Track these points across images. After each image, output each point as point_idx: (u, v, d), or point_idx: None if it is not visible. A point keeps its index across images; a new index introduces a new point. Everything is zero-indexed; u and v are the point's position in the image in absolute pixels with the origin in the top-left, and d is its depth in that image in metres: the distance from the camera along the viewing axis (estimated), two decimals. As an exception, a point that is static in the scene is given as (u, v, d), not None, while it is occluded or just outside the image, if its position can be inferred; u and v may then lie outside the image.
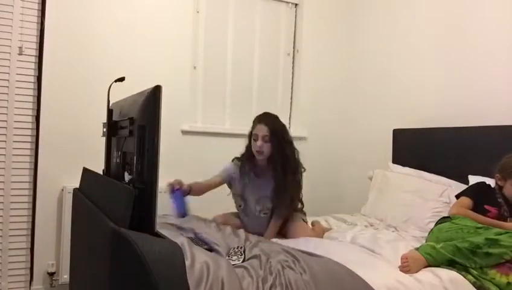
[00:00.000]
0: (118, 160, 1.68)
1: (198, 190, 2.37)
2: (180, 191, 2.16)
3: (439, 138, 2.88)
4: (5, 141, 2.72)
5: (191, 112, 3.30)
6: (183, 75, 3.21)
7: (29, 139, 2.80)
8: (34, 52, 2.79)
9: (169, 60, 3.13)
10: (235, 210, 2.65)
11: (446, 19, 3.00)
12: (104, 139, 1.86)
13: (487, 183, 2.27)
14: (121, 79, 1.77)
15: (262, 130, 2.37)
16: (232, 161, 2.57)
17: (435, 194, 2.61)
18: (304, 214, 2.65)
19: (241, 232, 2.22)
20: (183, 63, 3.21)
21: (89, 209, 1.71)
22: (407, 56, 3.29)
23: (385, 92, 3.46)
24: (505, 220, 2.08)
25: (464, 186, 2.41)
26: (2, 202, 2.72)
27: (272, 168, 2.43)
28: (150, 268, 1.11)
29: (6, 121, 2.72)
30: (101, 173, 1.92)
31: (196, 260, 1.50)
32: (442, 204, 2.53)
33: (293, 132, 2.91)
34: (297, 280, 1.52)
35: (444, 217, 2.19)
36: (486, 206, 2.13)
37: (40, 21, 2.78)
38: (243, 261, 1.68)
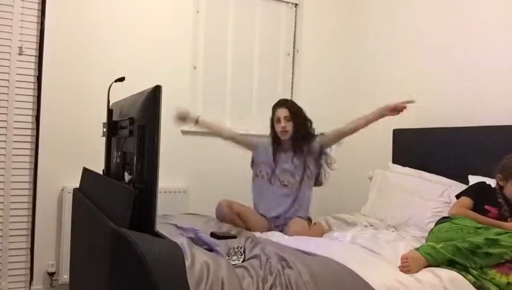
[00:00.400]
0: (118, 160, 1.68)
1: (206, 125, 2.71)
2: None
3: (439, 138, 2.88)
4: (5, 141, 2.72)
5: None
6: (183, 75, 3.21)
7: (29, 139, 2.80)
8: (34, 52, 2.79)
9: (169, 60, 3.13)
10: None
11: (446, 19, 3.00)
12: (104, 139, 1.86)
13: (487, 183, 2.27)
14: (121, 79, 1.77)
15: (283, 111, 2.64)
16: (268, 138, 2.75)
17: (435, 194, 2.61)
18: (309, 218, 2.67)
19: (242, 230, 2.23)
20: (183, 63, 3.21)
21: (89, 209, 1.71)
22: (407, 56, 3.29)
23: (385, 92, 3.46)
24: (505, 220, 2.08)
25: (464, 186, 2.41)
26: (2, 202, 2.72)
27: (295, 144, 2.63)
28: (150, 268, 1.11)
29: (6, 121, 2.72)
30: (101, 173, 1.92)
31: (196, 260, 1.50)
32: (442, 204, 2.53)
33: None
34: (297, 280, 1.52)
35: (444, 217, 2.19)
36: (486, 207, 2.12)
37: (40, 21, 2.79)
38: (243, 261, 1.68)
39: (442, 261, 1.83)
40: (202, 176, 3.23)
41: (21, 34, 2.74)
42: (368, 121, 2.58)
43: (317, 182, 2.73)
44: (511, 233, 1.84)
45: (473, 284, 1.75)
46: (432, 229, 2.16)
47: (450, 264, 1.83)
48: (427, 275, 1.75)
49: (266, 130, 2.78)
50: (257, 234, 2.30)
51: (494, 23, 2.69)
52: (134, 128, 1.43)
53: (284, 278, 1.52)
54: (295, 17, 3.73)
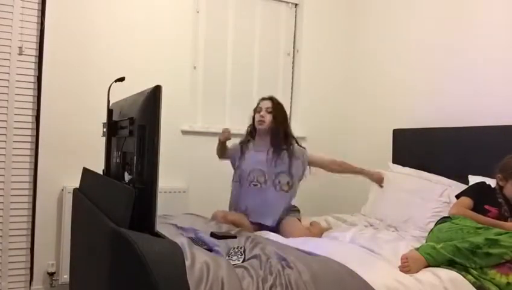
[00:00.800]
0: (118, 160, 1.68)
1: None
2: None
3: (439, 138, 2.88)
4: (5, 141, 2.72)
5: (191, 112, 3.30)
6: (183, 75, 3.21)
7: (29, 139, 2.80)
8: (34, 52, 2.79)
9: (169, 60, 3.13)
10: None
11: (446, 19, 3.00)
12: (104, 139, 1.86)
13: (487, 183, 2.27)
14: (121, 79, 1.77)
15: (266, 103, 2.66)
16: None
17: (435, 194, 2.61)
18: (298, 212, 2.67)
19: (242, 230, 2.23)
20: (183, 63, 3.21)
21: (89, 209, 1.71)
22: (407, 56, 3.29)
23: (385, 92, 3.46)
24: (505, 220, 2.08)
25: (464, 186, 2.41)
26: (2, 202, 2.72)
27: (274, 139, 2.61)
28: (150, 268, 1.11)
29: (6, 121, 2.72)
30: (101, 173, 1.92)
31: (196, 260, 1.50)
32: (442, 204, 2.53)
33: (293, 132, 2.90)
34: (297, 280, 1.52)
35: (444, 217, 2.19)
36: (486, 206, 2.12)
37: (40, 21, 2.78)
38: (242, 261, 1.68)
39: (442, 261, 1.83)
40: (202, 176, 3.23)
41: (21, 34, 2.74)
42: (353, 173, 2.73)
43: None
44: (511, 233, 1.84)
45: (473, 284, 1.75)
46: (431, 229, 2.16)
47: (450, 264, 1.83)
48: (427, 275, 1.75)
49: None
50: (257, 234, 2.30)
51: (495, 23, 2.69)
52: (134, 128, 1.43)
53: (284, 278, 1.52)
54: (295, 17, 3.73)
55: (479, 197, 2.16)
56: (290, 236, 2.34)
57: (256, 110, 2.69)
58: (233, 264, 1.61)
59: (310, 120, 3.68)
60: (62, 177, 2.82)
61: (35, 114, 2.80)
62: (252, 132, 2.73)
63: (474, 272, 1.80)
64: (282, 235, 2.37)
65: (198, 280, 1.39)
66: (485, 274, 1.79)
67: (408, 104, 3.24)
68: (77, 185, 2.25)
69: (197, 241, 1.91)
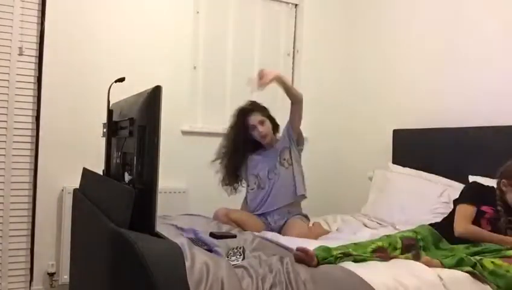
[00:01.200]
0: (118, 160, 1.68)
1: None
2: None
3: (439, 138, 2.88)
4: (5, 141, 2.72)
5: (191, 112, 3.30)
6: (183, 75, 3.21)
7: (29, 139, 2.80)
8: (34, 53, 2.79)
9: (169, 60, 3.13)
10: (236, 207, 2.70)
11: (446, 20, 3.00)
12: (104, 139, 1.86)
13: (480, 183, 2.26)
14: (121, 79, 1.77)
15: (256, 117, 2.61)
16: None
17: (434, 194, 2.61)
18: (306, 218, 2.68)
19: (241, 230, 2.23)
20: (183, 63, 3.21)
21: (89, 209, 1.71)
22: (407, 56, 3.29)
23: (385, 92, 3.46)
24: (499, 220, 2.07)
25: (463, 187, 2.40)
26: (2, 202, 2.72)
27: (271, 142, 2.65)
28: (149, 269, 1.11)
29: (6, 121, 2.72)
30: (101, 173, 1.92)
31: (196, 260, 1.50)
32: (442, 204, 2.53)
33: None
34: (296, 279, 1.52)
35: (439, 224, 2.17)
36: (482, 208, 2.11)
37: (40, 21, 2.79)
38: (242, 261, 1.68)
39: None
40: (202, 176, 3.22)
41: (21, 34, 2.74)
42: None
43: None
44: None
45: (470, 273, 1.75)
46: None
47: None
48: (427, 273, 1.74)
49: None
50: (256, 234, 2.30)
51: (495, 24, 2.69)
52: (135, 129, 1.43)
53: (283, 277, 1.52)
54: (295, 17, 3.73)
55: (478, 200, 2.14)
56: (289, 234, 2.36)
57: (249, 128, 2.62)
58: (233, 265, 1.61)
59: (310, 120, 3.67)
60: (62, 177, 2.82)
61: (35, 114, 2.80)
62: (249, 144, 2.70)
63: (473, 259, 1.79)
64: (283, 234, 2.38)
65: (198, 280, 1.39)
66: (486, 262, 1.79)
67: (408, 104, 3.24)
68: (77, 185, 2.25)
69: (196, 241, 1.91)
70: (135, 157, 1.39)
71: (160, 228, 1.53)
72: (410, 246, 1.95)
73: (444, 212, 2.38)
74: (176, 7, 3.16)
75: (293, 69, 3.73)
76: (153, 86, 1.36)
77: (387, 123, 3.32)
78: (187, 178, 3.19)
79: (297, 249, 1.73)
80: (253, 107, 2.65)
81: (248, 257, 1.75)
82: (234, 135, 2.66)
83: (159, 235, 1.34)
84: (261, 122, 2.60)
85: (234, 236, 2.10)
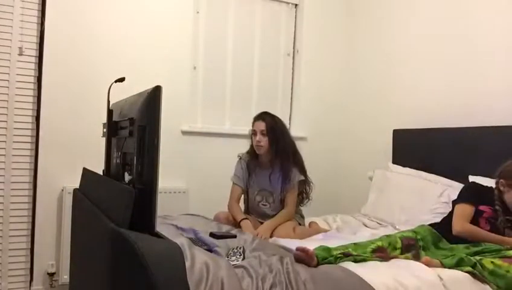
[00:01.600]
0: (118, 160, 1.68)
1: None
2: None
3: (439, 138, 2.88)
4: (5, 141, 2.72)
5: (191, 112, 3.30)
6: (183, 75, 3.21)
7: (29, 139, 2.80)
8: (34, 53, 2.79)
9: (169, 60, 3.13)
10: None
11: (446, 20, 3.00)
12: (104, 139, 1.86)
13: (478, 183, 2.26)
14: (121, 79, 1.77)
15: (260, 125, 2.59)
16: (239, 157, 2.72)
17: (434, 194, 2.61)
18: (301, 216, 2.68)
19: (241, 230, 2.24)
20: (183, 63, 3.21)
21: (89, 209, 1.71)
22: (407, 56, 3.29)
23: (385, 92, 3.46)
24: (497, 219, 2.07)
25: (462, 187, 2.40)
26: (2, 202, 2.72)
27: (272, 162, 2.61)
28: (150, 269, 1.11)
29: (6, 121, 2.72)
30: (101, 173, 1.92)
31: (196, 260, 1.50)
32: (442, 204, 2.53)
33: (293, 132, 2.93)
34: (296, 279, 1.52)
35: (438, 225, 2.17)
36: (481, 207, 2.11)
37: (40, 21, 2.79)
38: (242, 261, 1.68)
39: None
40: (202, 176, 3.23)
41: (21, 34, 2.74)
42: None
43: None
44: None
45: (470, 274, 1.75)
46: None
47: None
48: (427, 273, 1.74)
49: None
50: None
51: (495, 24, 2.69)
52: (135, 129, 1.43)
53: (283, 277, 1.52)
54: (295, 18, 3.73)
55: (476, 199, 2.15)
56: (275, 235, 2.38)
57: (252, 133, 2.64)
58: (233, 265, 1.61)
59: (310, 120, 3.68)
60: (62, 177, 2.82)
61: (35, 114, 2.80)
62: (253, 153, 2.69)
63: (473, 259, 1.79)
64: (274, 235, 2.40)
65: (198, 280, 1.39)
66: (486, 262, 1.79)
67: (408, 104, 3.24)
68: (77, 185, 2.25)
69: (196, 241, 1.91)
70: (135, 157, 1.39)
71: (160, 228, 1.53)
72: (410, 246, 1.96)
73: (443, 212, 2.38)
74: (176, 7, 3.16)
75: (293, 69, 3.73)
76: (153, 86, 1.36)
77: (387, 123, 3.32)
78: (187, 178, 3.19)
79: (297, 249, 1.73)
80: (264, 117, 2.63)
81: (248, 257, 1.75)
82: (251, 137, 2.68)
83: (159, 235, 1.34)
84: (262, 133, 2.57)
85: (234, 236, 2.10)
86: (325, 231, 2.56)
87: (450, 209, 2.22)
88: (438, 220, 2.30)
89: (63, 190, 2.82)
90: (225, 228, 2.31)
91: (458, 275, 1.76)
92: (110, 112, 1.81)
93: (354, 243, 1.90)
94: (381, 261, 1.83)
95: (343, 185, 3.71)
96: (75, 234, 2.14)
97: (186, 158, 3.19)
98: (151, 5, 3.07)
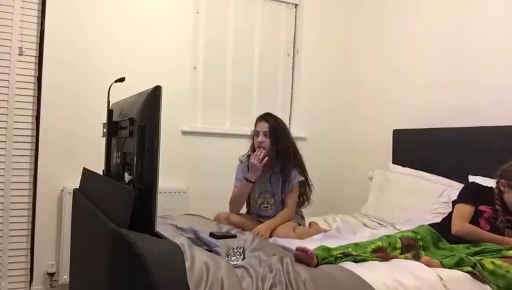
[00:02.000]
0: (118, 160, 1.68)
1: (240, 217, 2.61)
2: None
3: (439, 138, 2.88)
4: (5, 141, 2.72)
5: (191, 112, 3.30)
6: (183, 75, 3.21)
7: (29, 139, 2.80)
8: (34, 53, 2.79)
9: (169, 60, 3.13)
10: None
11: (446, 20, 3.00)
12: (104, 139, 1.86)
13: (479, 183, 2.26)
14: (121, 79, 1.77)
15: (263, 126, 2.59)
16: (240, 160, 2.71)
17: (434, 194, 2.61)
18: (301, 217, 2.68)
19: (241, 230, 2.24)
20: (183, 63, 3.21)
21: (89, 209, 1.71)
22: (407, 56, 3.29)
23: (385, 92, 3.46)
24: (497, 219, 2.07)
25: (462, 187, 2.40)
26: (2, 202, 2.72)
27: (272, 163, 2.59)
28: (150, 269, 1.11)
29: (6, 121, 2.72)
30: (101, 173, 1.92)
31: (196, 260, 1.50)
32: (442, 204, 2.53)
33: (293, 132, 2.92)
34: (296, 279, 1.52)
35: (438, 225, 2.17)
36: (480, 207, 2.11)
37: (40, 21, 2.79)
38: (242, 261, 1.68)
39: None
40: (202, 176, 3.24)
41: (21, 34, 2.74)
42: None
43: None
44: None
45: (470, 274, 1.74)
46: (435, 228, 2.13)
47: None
48: (427, 273, 1.74)
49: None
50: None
51: (495, 24, 2.69)
52: (135, 129, 1.43)
53: (283, 277, 1.52)
54: (295, 17, 3.73)
55: (476, 200, 2.14)
56: (274, 234, 2.38)
57: (255, 133, 2.64)
58: (233, 265, 1.61)
59: (310, 120, 3.68)
60: (62, 177, 2.82)
61: (35, 114, 2.80)
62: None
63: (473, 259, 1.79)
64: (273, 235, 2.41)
65: (198, 280, 1.39)
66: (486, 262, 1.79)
67: (408, 104, 3.25)
68: (77, 185, 2.25)
69: (196, 241, 1.92)
70: (135, 157, 1.39)
71: (160, 228, 1.53)
72: (410, 246, 1.96)
73: (443, 212, 2.38)
74: (176, 7, 3.16)
75: (293, 69, 3.73)
76: (153, 86, 1.36)
77: (387, 123, 3.32)
78: (187, 178, 3.19)
79: (297, 249, 1.73)
80: (267, 118, 2.63)
81: (248, 257, 1.75)
82: (253, 138, 2.68)
83: (159, 235, 1.34)
84: (265, 133, 2.58)
85: (234, 236, 2.10)
86: (325, 231, 2.56)
87: (450, 210, 2.22)
88: (438, 220, 2.30)
89: (63, 190, 2.82)
90: (225, 228, 2.31)
91: (458, 275, 1.76)
92: (110, 112, 1.81)
93: (354, 243, 1.90)
94: (381, 261, 1.83)
95: (343, 185, 3.71)
96: (75, 234, 2.14)
97: (186, 158, 3.19)
98: (151, 5, 3.08)
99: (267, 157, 2.51)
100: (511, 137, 2.43)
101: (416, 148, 3.05)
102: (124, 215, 1.30)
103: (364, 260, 1.80)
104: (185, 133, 3.22)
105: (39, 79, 2.79)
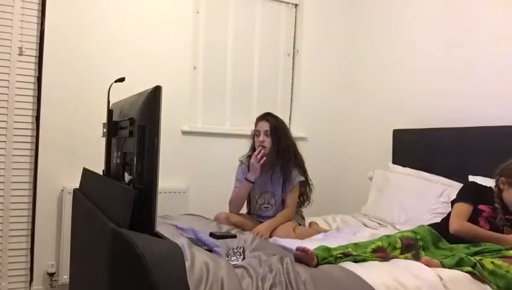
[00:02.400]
0: (118, 160, 1.68)
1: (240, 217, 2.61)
2: None
3: (439, 138, 2.88)
4: (5, 141, 2.72)
5: (191, 113, 3.30)
6: (183, 75, 3.21)
7: (29, 139, 2.80)
8: (34, 53, 2.79)
9: (169, 60, 3.13)
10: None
11: (446, 20, 3.00)
12: (104, 139, 1.86)
13: (478, 183, 2.26)
14: (121, 79, 1.77)
15: (264, 126, 2.60)
16: (240, 161, 2.71)
17: (434, 194, 2.61)
18: (301, 217, 2.68)
19: (241, 230, 2.24)
20: (183, 64, 3.21)
21: (89, 209, 1.71)
22: (407, 56, 3.29)
23: (385, 92, 3.46)
24: (496, 217, 2.07)
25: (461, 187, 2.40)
26: (2, 202, 2.72)
27: (272, 163, 2.60)
28: (150, 269, 1.11)
29: (6, 121, 2.72)
30: (101, 173, 1.92)
31: (196, 260, 1.50)
32: (442, 204, 2.53)
33: (293, 132, 2.92)
34: (296, 279, 1.52)
35: (438, 225, 2.17)
36: (480, 206, 2.11)
37: (40, 21, 2.79)
38: (242, 261, 1.68)
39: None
40: (202, 176, 3.24)
41: (21, 34, 2.74)
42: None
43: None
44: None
45: (470, 274, 1.74)
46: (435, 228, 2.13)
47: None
48: (427, 273, 1.74)
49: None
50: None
51: (495, 24, 2.69)
52: (135, 129, 1.43)
53: (283, 277, 1.52)
54: (295, 17, 3.73)
55: (475, 199, 2.14)
56: (274, 234, 2.38)
57: (255, 133, 2.64)
58: (233, 265, 1.61)
59: (310, 120, 3.68)
60: (62, 177, 2.82)
61: (35, 114, 2.80)
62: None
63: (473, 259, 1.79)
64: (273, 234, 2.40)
65: (198, 280, 1.39)
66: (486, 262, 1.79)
67: (408, 104, 3.25)
68: (77, 185, 2.25)
69: (196, 241, 1.91)
70: (135, 157, 1.39)
71: (160, 228, 1.53)
72: (410, 246, 1.96)
73: (443, 212, 2.38)
74: (176, 7, 3.16)
75: (293, 69, 3.73)
76: (153, 86, 1.36)
77: (387, 123, 3.32)
78: (187, 178, 3.19)
79: (297, 249, 1.73)
80: (268, 117, 2.64)
81: (248, 257, 1.75)
82: (253, 137, 2.69)
83: (159, 235, 1.34)
84: (266, 133, 2.59)
85: (234, 236, 2.10)
86: (325, 231, 2.56)
87: (450, 210, 2.22)
88: (438, 220, 2.30)
89: (63, 190, 2.82)
90: (225, 228, 2.31)
91: (458, 275, 1.76)
92: (110, 112, 1.81)
93: (354, 243, 1.90)
94: (381, 261, 1.83)
95: (343, 185, 3.71)
96: (75, 234, 2.14)
97: (186, 158, 3.19)
98: (151, 5, 3.07)
99: (265, 158, 2.50)
100: (511, 137, 2.43)
101: (416, 148, 3.05)
102: (124, 215, 1.30)
103: (364, 260, 1.80)
104: (185, 133, 3.22)
105: (39, 79, 2.79)
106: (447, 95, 2.95)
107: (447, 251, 1.99)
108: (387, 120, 3.36)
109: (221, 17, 3.42)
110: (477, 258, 1.81)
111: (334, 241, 2.00)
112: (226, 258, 1.71)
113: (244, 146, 2.75)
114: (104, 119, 1.83)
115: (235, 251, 1.80)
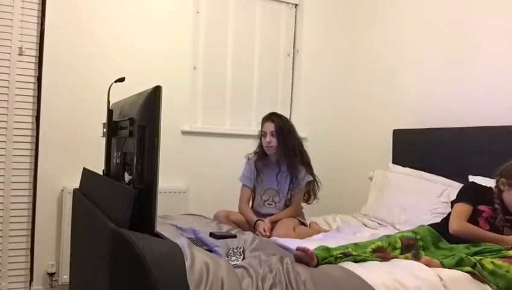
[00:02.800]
0: (118, 160, 1.68)
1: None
2: None
3: (439, 138, 2.88)
4: (5, 141, 2.72)
5: (191, 113, 3.30)
6: (183, 75, 3.21)
7: (29, 139, 2.80)
8: (34, 52, 2.79)
9: (169, 60, 3.13)
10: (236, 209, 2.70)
11: (447, 20, 3.00)
12: (104, 139, 1.86)
13: (478, 183, 2.26)
14: (121, 79, 1.77)
15: (270, 126, 2.65)
16: (247, 158, 2.76)
17: (434, 194, 2.61)
18: (301, 215, 2.69)
19: (241, 230, 2.24)
20: (183, 64, 3.21)
21: (89, 209, 1.71)
22: (407, 56, 3.29)
23: (385, 92, 3.46)
24: (496, 218, 2.07)
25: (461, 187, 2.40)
26: (2, 202, 2.72)
27: (279, 161, 2.67)
28: (150, 269, 1.11)
29: (6, 121, 2.72)
30: (101, 173, 1.92)
31: (196, 260, 1.50)
32: (442, 204, 2.53)
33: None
34: (296, 279, 1.52)
35: (439, 224, 2.17)
36: (479, 207, 2.11)
37: (40, 21, 2.78)
38: (242, 261, 1.68)
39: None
40: (202, 176, 3.24)
41: (21, 34, 2.74)
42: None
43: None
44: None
45: (470, 274, 1.74)
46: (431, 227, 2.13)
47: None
48: (427, 273, 1.74)
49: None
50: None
51: (495, 24, 2.69)
52: (135, 129, 1.43)
53: (283, 277, 1.52)
54: (295, 17, 3.73)
55: (475, 199, 2.14)
56: (274, 233, 2.39)
57: (262, 134, 2.69)
58: (233, 265, 1.61)
59: (310, 120, 3.68)
60: (62, 177, 2.82)
61: (35, 114, 2.80)
62: (262, 153, 2.73)
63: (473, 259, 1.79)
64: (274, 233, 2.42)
65: (198, 280, 1.39)
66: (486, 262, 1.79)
67: (408, 104, 3.25)
68: (77, 185, 2.25)
69: (196, 241, 1.91)
70: (135, 157, 1.39)
71: (160, 228, 1.53)
72: (410, 246, 1.96)
73: (443, 212, 2.38)
74: (176, 7, 3.16)
75: (293, 69, 3.73)
76: (153, 86, 1.36)
77: (387, 123, 3.32)
78: (187, 178, 3.19)
79: (297, 249, 1.73)
80: (273, 117, 2.69)
81: (248, 257, 1.75)
82: (260, 138, 2.74)
83: (159, 235, 1.34)
84: (272, 133, 2.64)
85: (234, 236, 2.11)
86: (325, 231, 2.57)
87: (450, 210, 2.22)
88: (438, 220, 2.30)
89: (63, 190, 2.82)
90: (225, 228, 2.31)
91: (458, 275, 1.76)
92: (110, 112, 1.81)
93: (354, 243, 1.90)
94: (381, 261, 1.83)
95: (343, 185, 3.71)
96: (75, 234, 2.14)
97: (186, 158, 3.19)
98: (151, 5, 3.07)
99: (268, 233, 2.45)
100: (511, 137, 2.43)
101: (416, 148, 3.05)
102: (124, 215, 1.30)
103: (364, 260, 1.80)
104: (185, 133, 3.21)
105: (39, 79, 2.79)
106: (447, 95, 2.96)
107: (447, 251, 1.99)
108: (387, 120, 3.36)
109: (221, 17, 3.42)
110: (477, 258, 1.81)
111: (334, 241, 2.00)
112: (226, 258, 1.71)
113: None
114: (104, 119, 1.83)
115: (235, 251, 1.80)
